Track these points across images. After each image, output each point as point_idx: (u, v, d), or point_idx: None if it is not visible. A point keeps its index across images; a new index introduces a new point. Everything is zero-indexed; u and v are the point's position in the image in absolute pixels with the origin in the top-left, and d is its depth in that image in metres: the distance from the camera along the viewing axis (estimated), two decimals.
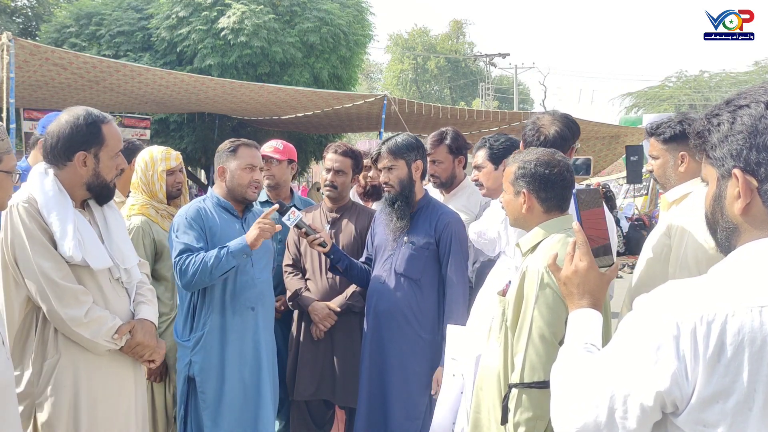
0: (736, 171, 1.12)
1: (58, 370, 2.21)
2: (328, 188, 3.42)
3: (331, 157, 3.42)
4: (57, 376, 2.20)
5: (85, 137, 2.27)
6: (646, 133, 2.76)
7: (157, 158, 3.29)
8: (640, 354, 1.10)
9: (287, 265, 3.42)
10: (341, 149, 3.44)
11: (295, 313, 3.43)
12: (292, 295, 3.33)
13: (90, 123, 2.28)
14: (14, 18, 19.26)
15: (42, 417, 2.19)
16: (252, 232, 2.86)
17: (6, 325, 2.20)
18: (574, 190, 1.53)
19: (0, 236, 2.24)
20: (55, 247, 2.20)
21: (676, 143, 2.63)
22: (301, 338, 3.35)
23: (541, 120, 2.64)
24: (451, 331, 2.70)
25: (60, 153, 2.27)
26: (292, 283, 3.37)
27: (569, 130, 2.60)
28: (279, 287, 3.43)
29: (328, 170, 3.42)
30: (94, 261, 2.25)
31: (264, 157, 3.52)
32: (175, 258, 2.86)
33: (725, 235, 1.17)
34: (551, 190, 2.08)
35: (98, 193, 2.36)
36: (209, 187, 3.22)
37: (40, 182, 2.26)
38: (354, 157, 3.46)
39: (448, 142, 3.48)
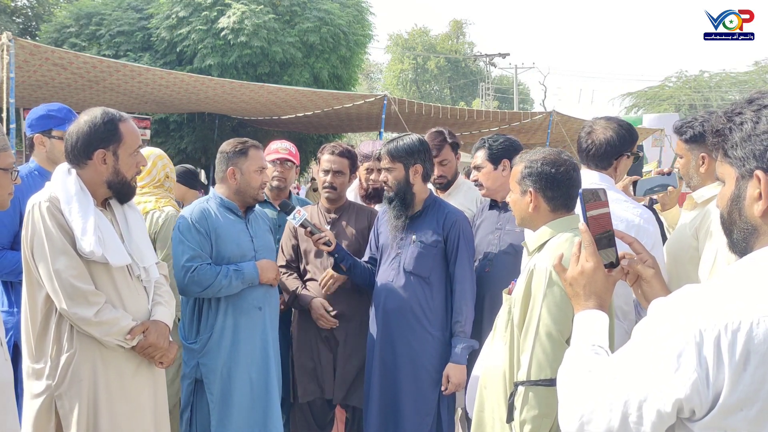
0: (759, 172, 1.10)
1: (75, 363, 2.27)
2: (327, 190, 3.42)
3: (328, 159, 3.42)
4: (74, 369, 2.26)
5: (102, 135, 2.35)
6: (673, 131, 2.79)
7: (167, 159, 3.44)
8: (660, 360, 1.08)
9: (281, 266, 3.40)
10: (338, 150, 3.44)
11: (296, 312, 3.43)
12: (291, 295, 3.32)
13: (107, 121, 2.36)
14: (14, 18, 19.25)
15: (62, 409, 2.25)
16: (269, 275, 2.99)
17: (29, 321, 2.30)
18: (580, 191, 1.52)
19: (23, 234, 2.31)
20: (74, 246, 2.25)
21: (697, 144, 2.63)
22: (304, 339, 3.34)
23: (596, 124, 2.68)
24: None
25: (80, 152, 2.35)
26: (289, 282, 3.36)
27: (620, 137, 2.62)
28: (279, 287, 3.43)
29: (326, 171, 3.41)
30: (113, 257, 2.30)
31: (281, 159, 3.57)
32: (185, 263, 2.85)
33: (742, 237, 1.15)
34: (558, 189, 2.09)
35: (119, 191, 2.43)
36: (211, 188, 3.23)
37: (63, 181, 2.33)
38: (350, 156, 3.46)
39: (450, 140, 3.52)
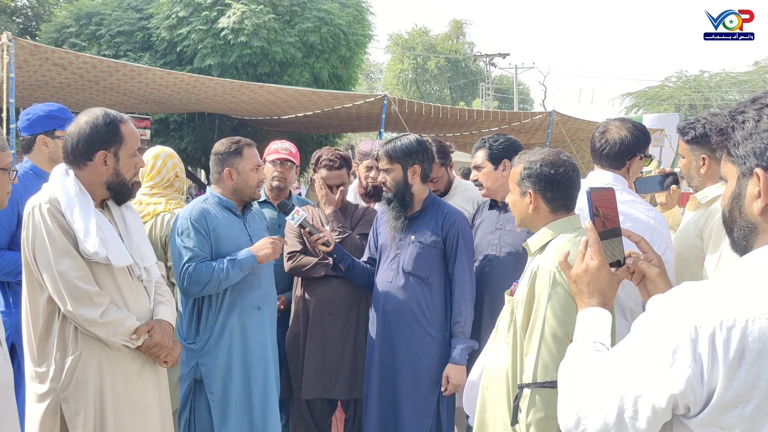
0: (759, 170, 1.11)
1: (81, 365, 2.26)
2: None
3: (327, 175, 3.41)
4: (80, 371, 2.25)
5: (104, 136, 2.33)
6: (677, 131, 2.80)
7: (177, 158, 3.44)
8: (655, 355, 1.08)
9: (293, 252, 3.35)
10: (336, 164, 3.41)
11: (294, 312, 3.42)
12: (321, 259, 3.25)
13: (109, 122, 2.34)
14: (14, 18, 19.26)
15: (68, 412, 2.24)
16: (264, 250, 2.92)
17: (31, 324, 2.28)
18: (587, 189, 1.53)
19: (23, 236, 2.29)
20: (77, 247, 2.23)
21: (699, 145, 2.65)
22: (306, 336, 3.32)
23: (610, 124, 2.70)
24: None
25: (81, 153, 2.33)
26: (306, 258, 3.31)
27: (634, 138, 2.64)
28: (279, 286, 3.42)
29: (330, 186, 3.42)
30: (116, 258, 2.29)
31: (281, 159, 3.57)
32: (183, 264, 2.85)
33: (742, 235, 1.16)
34: (557, 190, 2.08)
35: (117, 192, 2.42)
36: (208, 187, 3.21)
37: (62, 182, 2.31)
38: (348, 164, 3.48)
39: (438, 158, 3.53)
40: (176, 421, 3.03)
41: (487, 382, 2.23)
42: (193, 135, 14.14)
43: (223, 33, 12.86)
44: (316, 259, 3.29)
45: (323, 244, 3.10)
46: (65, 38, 13.63)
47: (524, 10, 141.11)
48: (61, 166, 2.39)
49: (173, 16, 13.27)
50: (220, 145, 3.08)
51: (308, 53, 13.62)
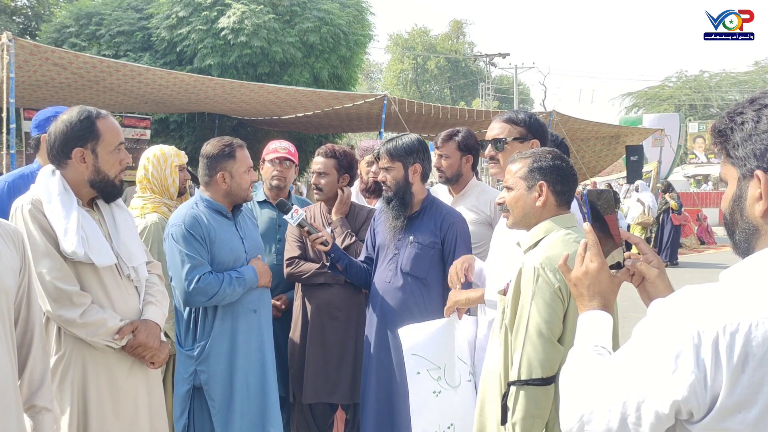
0: (759, 172, 1.09)
1: (64, 364, 2.24)
2: (316, 192, 3.46)
3: (315, 161, 3.50)
4: (63, 370, 2.24)
5: (79, 133, 2.30)
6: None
7: (169, 154, 3.29)
8: (658, 361, 1.07)
9: (293, 258, 3.33)
10: (322, 151, 3.48)
11: (294, 316, 3.40)
12: (321, 267, 3.25)
13: (83, 119, 2.31)
14: (14, 18, 19.28)
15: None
16: (266, 278, 3.00)
17: None
18: (584, 192, 1.53)
19: None
20: (58, 247, 2.22)
21: None
22: (307, 341, 3.31)
23: None
24: (404, 333, 2.73)
25: (59, 151, 2.32)
26: (307, 265, 3.31)
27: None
28: (279, 286, 3.40)
29: (314, 173, 3.48)
30: (98, 258, 2.26)
31: (280, 159, 3.58)
32: (188, 274, 2.79)
33: (744, 237, 1.15)
34: (566, 183, 2.06)
35: (102, 190, 2.38)
36: (196, 189, 3.15)
37: (46, 182, 2.30)
38: (337, 157, 3.44)
39: (458, 138, 3.50)
40: (172, 427, 3.00)
41: (485, 384, 2.22)
42: (193, 135, 14.14)
43: (223, 33, 12.87)
44: (315, 267, 3.28)
45: (321, 243, 3.08)
46: (65, 38, 13.64)
47: (524, 10, 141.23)
48: (49, 167, 2.37)
49: (173, 16, 13.29)
50: (211, 147, 2.97)
51: (308, 53, 13.63)
